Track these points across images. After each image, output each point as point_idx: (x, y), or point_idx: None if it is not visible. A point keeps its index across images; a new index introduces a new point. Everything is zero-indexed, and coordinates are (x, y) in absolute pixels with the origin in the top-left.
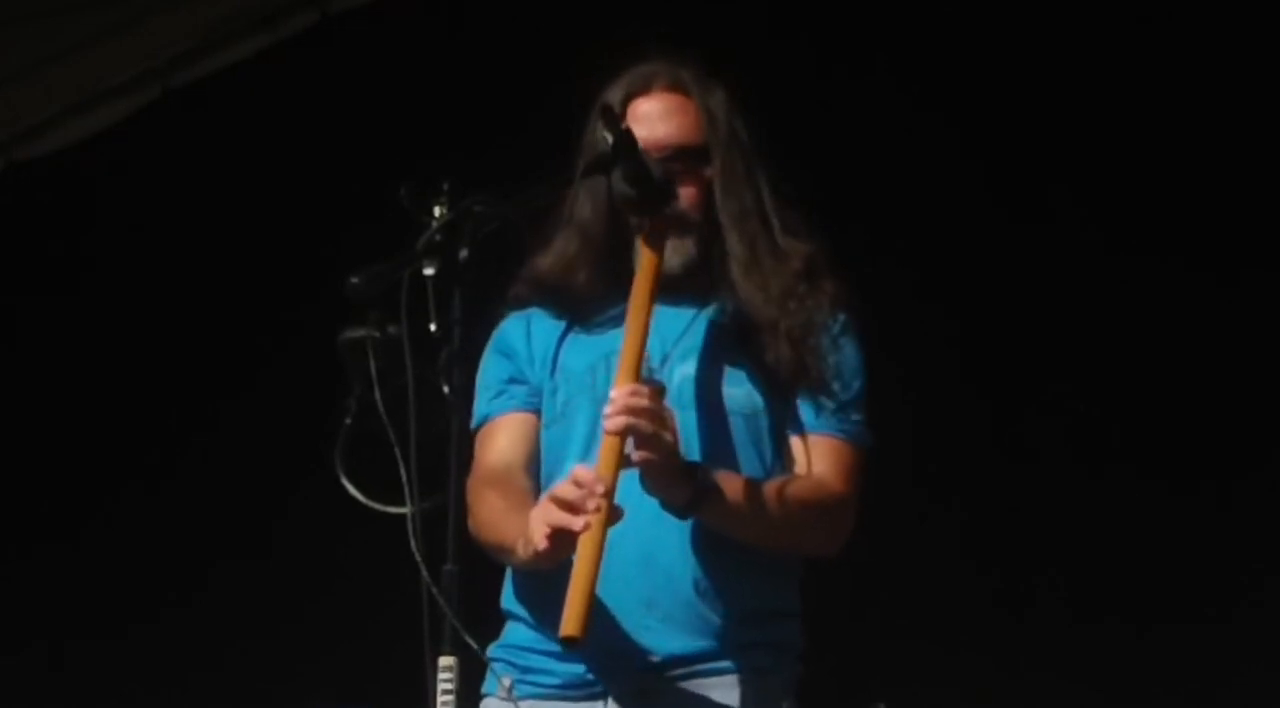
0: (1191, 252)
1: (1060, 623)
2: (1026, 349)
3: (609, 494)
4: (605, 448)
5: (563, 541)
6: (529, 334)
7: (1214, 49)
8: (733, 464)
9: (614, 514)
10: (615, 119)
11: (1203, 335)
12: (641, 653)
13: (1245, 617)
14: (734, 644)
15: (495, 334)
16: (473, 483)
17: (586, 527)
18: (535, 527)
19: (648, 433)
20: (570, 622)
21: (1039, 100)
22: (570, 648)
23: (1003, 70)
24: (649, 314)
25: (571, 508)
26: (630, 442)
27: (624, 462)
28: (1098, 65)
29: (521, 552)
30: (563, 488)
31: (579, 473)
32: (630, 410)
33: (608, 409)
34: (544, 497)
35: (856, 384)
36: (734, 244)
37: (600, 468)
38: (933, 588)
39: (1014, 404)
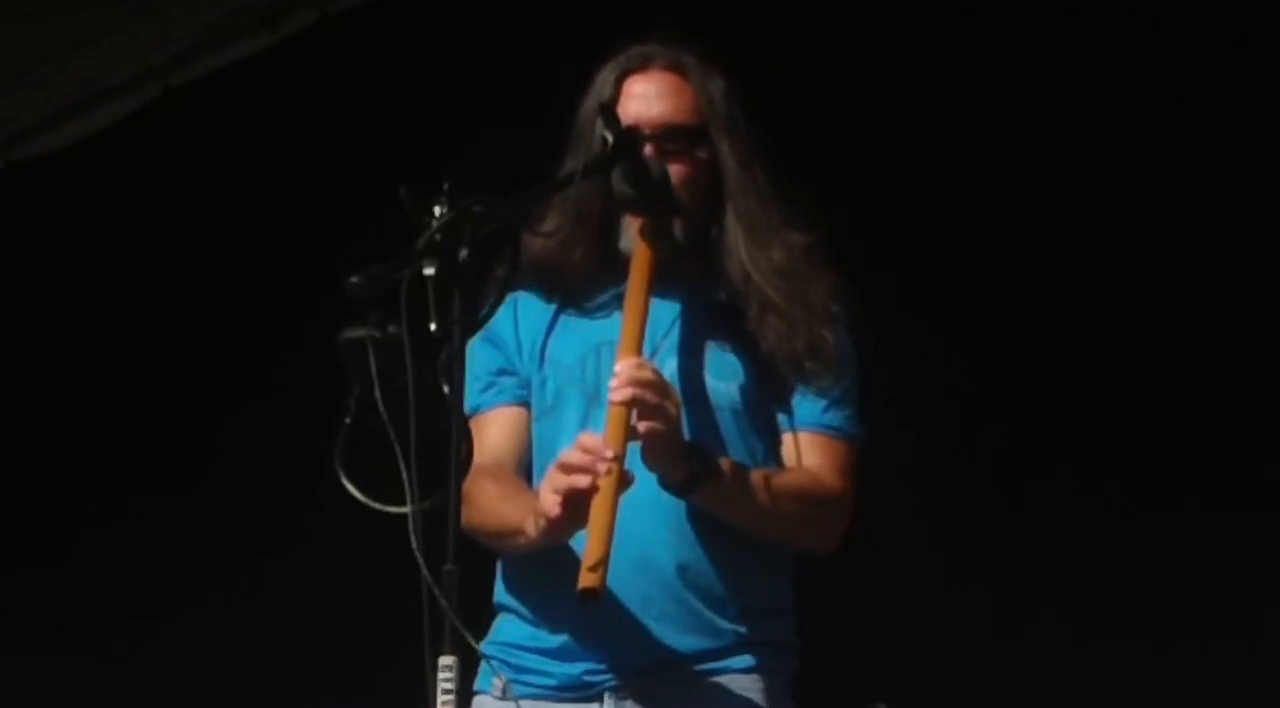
0: (1193, 257)
1: (1060, 625)
2: (1026, 347)
3: (619, 458)
4: (612, 418)
5: (576, 507)
6: (517, 322)
7: (1217, 58)
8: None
9: (625, 479)
10: (615, 118)
11: (1204, 343)
12: (641, 654)
13: (1245, 623)
14: (732, 643)
15: None
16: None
17: (596, 488)
18: (545, 497)
19: (653, 404)
20: (588, 574)
21: (1039, 102)
22: (587, 602)
23: (1003, 75)
24: (648, 299)
25: (581, 472)
26: (635, 416)
27: (630, 433)
28: (1100, 68)
29: (532, 529)
30: (570, 455)
31: (585, 440)
32: (636, 382)
33: (613, 382)
34: (551, 467)
35: (850, 377)
36: (734, 222)
37: (608, 437)
38: (933, 588)
39: (1014, 403)
